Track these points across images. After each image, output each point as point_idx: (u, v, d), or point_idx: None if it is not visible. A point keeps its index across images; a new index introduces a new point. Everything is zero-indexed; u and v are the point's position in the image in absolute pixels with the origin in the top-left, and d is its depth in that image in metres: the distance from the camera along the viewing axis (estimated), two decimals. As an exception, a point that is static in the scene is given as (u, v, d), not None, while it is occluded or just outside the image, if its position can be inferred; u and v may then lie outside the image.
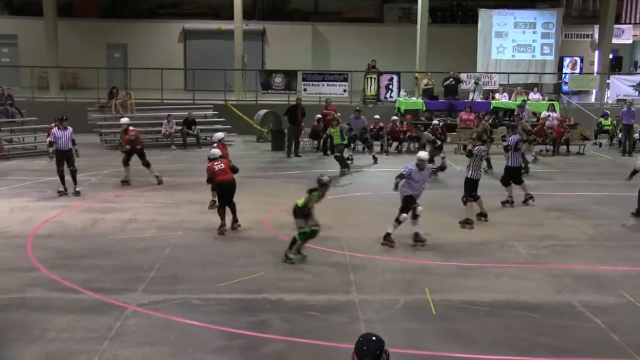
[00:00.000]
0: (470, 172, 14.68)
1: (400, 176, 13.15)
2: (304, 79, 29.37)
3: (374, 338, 4.71)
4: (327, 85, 29.15)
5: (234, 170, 14.04)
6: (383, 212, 15.57)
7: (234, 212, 13.94)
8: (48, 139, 17.37)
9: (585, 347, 8.87)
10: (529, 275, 11.51)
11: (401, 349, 8.41)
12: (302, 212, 11.96)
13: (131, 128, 18.43)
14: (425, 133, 21.12)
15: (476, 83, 28.05)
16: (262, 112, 26.96)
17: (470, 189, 14.60)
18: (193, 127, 24.78)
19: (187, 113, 25.35)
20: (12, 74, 32.87)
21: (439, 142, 20.65)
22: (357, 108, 24.04)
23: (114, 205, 15.94)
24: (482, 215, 14.90)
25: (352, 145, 22.60)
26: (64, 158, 16.80)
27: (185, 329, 9.11)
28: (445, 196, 15.85)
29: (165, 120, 24.91)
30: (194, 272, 11.36)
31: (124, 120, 18.86)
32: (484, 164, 16.51)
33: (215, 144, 15.36)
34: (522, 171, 19.73)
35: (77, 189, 16.80)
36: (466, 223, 14.42)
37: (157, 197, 16.68)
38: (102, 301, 10.00)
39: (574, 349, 8.79)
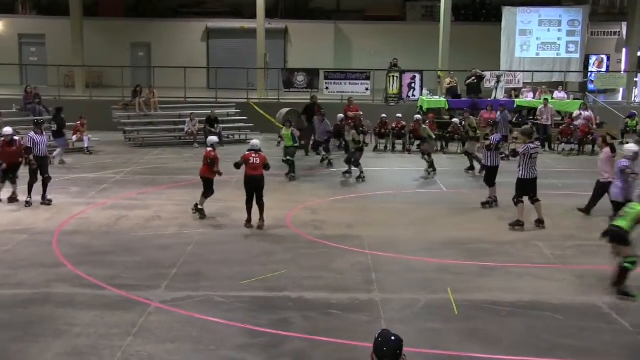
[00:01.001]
0: (521, 172, 14.08)
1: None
2: (326, 78, 29.34)
3: (392, 338, 4.68)
4: (350, 83, 29.08)
5: (267, 167, 14.27)
6: (403, 210, 15.60)
7: (261, 210, 14.05)
8: (26, 144, 15.85)
9: (611, 349, 8.79)
10: (553, 276, 11.43)
11: (422, 349, 8.41)
12: (629, 236, 10.41)
13: (16, 138, 16.12)
14: (424, 127, 20.96)
15: (497, 81, 27.85)
16: (284, 110, 26.96)
17: (521, 189, 14.08)
18: (216, 126, 24.87)
19: (209, 111, 25.44)
20: (39, 73, 33.21)
21: (433, 136, 21.07)
22: (322, 112, 23.04)
23: (137, 202, 16.06)
24: (540, 222, 14.23)
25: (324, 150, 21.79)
26: (42, 165, 15.69)
27: (208, 326, 9.16)
28: (468, 195, 15.77)
29: (188, 119, 25.03)
30: (216, 270, 11.42)
31: (7, 130, 16.01)
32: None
33: (209, 148, 14.91)
34: (470, 170, 19.90)
35: (48, 197, 15.59)
36: (517, 225, 14.02)
37: (179, 194, 16.77)
38: (125, 297, 10.08)
39: (599, 351, 8.71)
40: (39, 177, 15.59)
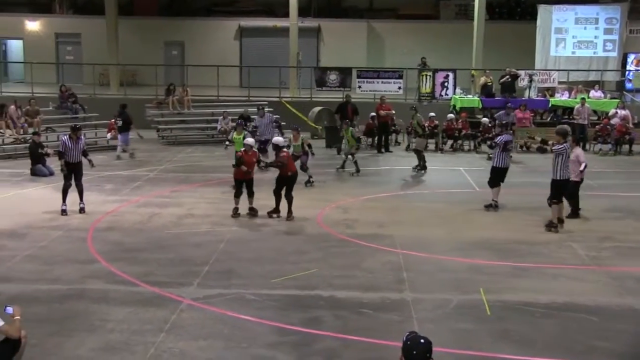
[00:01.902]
0: (555, 173, 13.83)
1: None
2: (358, 76, 29.32)
3: (422, 340, 4.63)
4: (382, 82, 29.01)
5: (258, 163, 15.03)
6: (435, 209, 15.53)
7: (290, 203, 14.43)
8: (57, 149, 15.34)
9: (647, 352, 8.65)
10: (588, 277, 11.28)
11: (454, 349, 8.36)
12: None
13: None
14: (417, 120, 20.91)
15: (530, 80, 27.56)
16: (317, 109, 27.01)
17: (556, 190, 13.83)
18: (248, 124, 24.93)
19: (242, 110, 25.52)
20: (75, 71, 33.61)
21: (426, 132, 21.10)
22: (261, 106, 22.60)
23: (170, 200, 16.17)
24: (559, 221, 13.97)
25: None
26: (72, 172, 14.94)
27: (239, 323, 9.20)
28: (500, 195, 15.64)
29: (221, 117, 25.13)
30: (248, 268, 11.46)
31: None
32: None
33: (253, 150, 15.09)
34: (418, 168, 19.74)
35: (82, 205, 14.94)
36: (551, 226, 13.81)
37: (212, 192, 16.85)
38: (158, 294, 10.16)
39: (637, 355, 8.57)
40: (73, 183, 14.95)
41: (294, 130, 18.57)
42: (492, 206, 15.49)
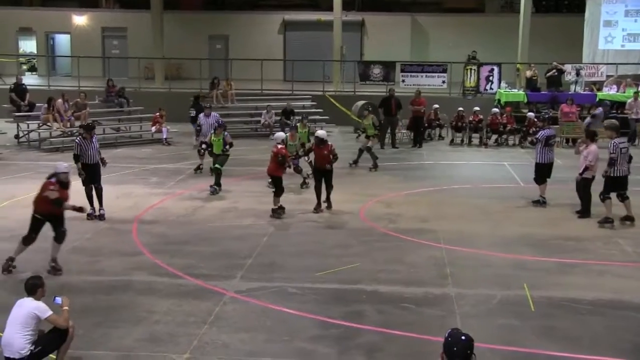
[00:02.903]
0: (612, 170, 13.54)
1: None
2: (402, 70, 29.19)
3: (463, 337, 4.61)
4: (426, 76, 28.86)
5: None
6: (479, 204, 15.40)
7: (330, 192, 14.55)
8: (73, 152, 14.23)
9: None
10: (636, 274, 11.09)
11: (497, 345, 8.29)
12: None
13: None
14: (369, 119, 19.76)
15: (577, 74, 27.14)
16: (360, 103, 26.92)
17: (609, 186, 13.57)
18: (291, 118, 25.00)
19: (285, 103, 25.60)
20: (121, 65, 34.04)
21: (374, 130, 19.70)
22: (207, 105, 21.27)
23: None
24: (628, 219, 13.73)
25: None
26: (92, 173, 13.97)
27: (281, 316, 9.24)
28: (550, 190, 15.43)
29: (265, 111, 25.24)
30: (291, 261, 11.49)
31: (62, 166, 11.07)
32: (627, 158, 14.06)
33: (279, 145, 14.52)
34: (371, 167, 19.02)
35: (102, 211, 13.92)
36: (605, 222, 13.53)
37: (255, 186, 16.92)
38: (201, 287, 10.24)
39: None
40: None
41: (292, 130, 17.79)
42: (540, 202, 15.29)
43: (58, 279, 10.34)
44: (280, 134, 15.38)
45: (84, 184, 13.90)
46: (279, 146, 14.49)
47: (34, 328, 7.21)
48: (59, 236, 10.77)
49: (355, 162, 19.33)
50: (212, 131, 17.01)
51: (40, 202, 10.71)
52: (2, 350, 7.28)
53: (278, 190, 14.31)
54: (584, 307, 9.63)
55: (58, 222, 10.74)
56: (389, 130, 23.37)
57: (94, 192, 14.00)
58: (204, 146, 17.04)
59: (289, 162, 14.76)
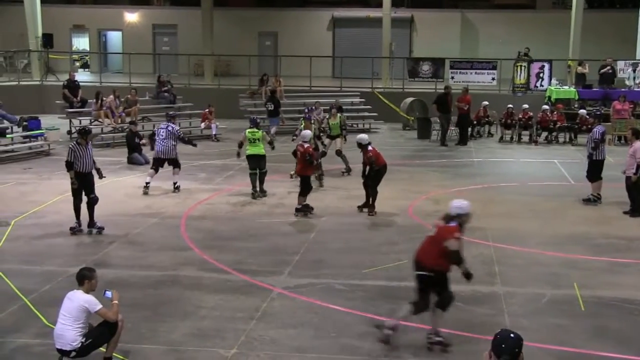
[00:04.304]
0: None
1: None
2: (451, 67, 28.95)
3: (512, 335, 4.57)
4: (476, 73, 28.58)
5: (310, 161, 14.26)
6: (529, 202, 15.20)
7: (368, 197, 14.29)
8: (65, 159, 12.75)
9: None
10: (689, 275, 10.86)
11: (547, 345, 8.18)
12: None
13: None
14: (337, 118, 18.42)
15: (634, 70, 26.61)
16: (409, 100, 26.83)
17: None
18: (339, 114, 24.97)
19: (334, 100, 25.58)
20: (171, 62, 34.44)
21: (341, 132, 18.30)
22: (171, 113, 18.74)
23: (262, 189, 16.34)
24: None
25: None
26: (86, 183, 12.65)
27: (328, 313, 9.24)
28: (605, 188, 15.18)
29: (313, 107, 25.22)
30: (338, 258, 11.49)
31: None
32: None
33: (306, 144, 14.31)
34: (343, 171, 17.98)
35: (98, 225, 12.75)
36: None
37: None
38: (249, 282, 10.30)
39: None
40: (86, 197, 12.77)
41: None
42: (592, 200, 15.06)
43: (107, 272, 10.43)
44: (307, 132, 15.05)
45: (73, 195, 12.66)
46: (306, 145, 14.32)
47: (84, 321, 7.34)
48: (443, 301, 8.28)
49: (347, 168, 18.03)
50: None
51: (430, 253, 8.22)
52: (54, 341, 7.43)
53: (305, 189, 14.13)
54: (636, 308, 9.45)
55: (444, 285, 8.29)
56: (442, 127, 23.18)
57: (83, 205, 12.68)
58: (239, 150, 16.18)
59: (317, 160, 14.54)
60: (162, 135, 16.15)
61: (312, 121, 17.51)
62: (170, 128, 16.24)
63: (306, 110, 19.15)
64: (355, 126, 25.83)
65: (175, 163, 16.20)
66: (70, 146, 12.68)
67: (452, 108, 23.01)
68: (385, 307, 9.37)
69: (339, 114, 18.79)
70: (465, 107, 23.35)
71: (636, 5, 30.79)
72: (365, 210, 14.27)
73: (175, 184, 15.97)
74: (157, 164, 16.17)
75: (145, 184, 15.78)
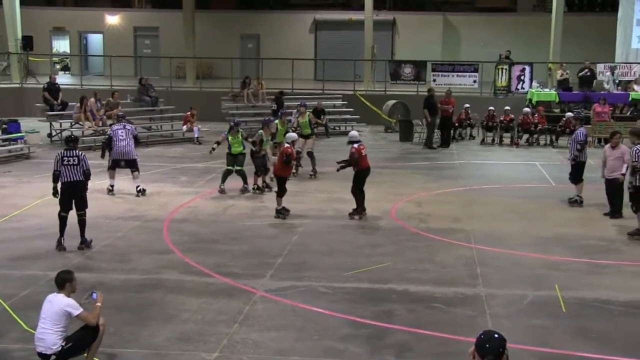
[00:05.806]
0: (636, 179, 12.71)
1: None
2: (433, 70, 29.07)
3: (496, 335, 4.60)
4: (457, 75, 28.71)
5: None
6: (510, 204, 15.28)
7: (357, 200, 14.11)
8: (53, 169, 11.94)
9: None
10: (669, 276, 10.95)
11: (529, 346, 8.21)
12: None
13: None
14: (305, 118, 18.47)
15: (612, 73, 26.82)
16: (391, 102, 26.89)
17: (635, 196, 12.79)
18: (322, 117, 24.98)
19: (316, 103, 25.58)
20: (152, 64, 34.31)
21: (312, 131, 18.57)
22: (120, 113, 18.36)
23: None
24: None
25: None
26: (72, 196, 11.73)
27: (311, 316, 9.23)
28: (585, 190, 15.27)
29: (296, 110, 25.21)
30: (321, 260, 11.48)
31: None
32: None
33: (287, 145, 14.36)
34: (310, 174, 17.86)
35: (89, 240, 11.93)
36: (637, 234, 12.67)
37: (286, 185, 16.88)
38: (231, 285, 10.27)
39: None
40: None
41: (265, 124, 16.61)
42: (578, 202, 15.15)
43: (89, 276, 10.39)
44: (292, 135, 15.16)
45: (60, 205, 11.79)
46: (286, 145, 14.37)
47: (65, 324, 7.29)
48: None
49: (313, 170, 17.91)
50: (227, 132, 16.54)
51: None
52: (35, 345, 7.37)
53: (281, 190, 14.09)
54: (617, 309, 9.52)
55: None
56: (429, 130, 23.19)
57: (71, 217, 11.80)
58: (214, 146, 16.62)
59: (295, 162, 14.52)
60: (122, 136, 15.87)
61: (286, 122, 17.71)
62: (128, 127, 16.14)
63: (298, 104, 19.28)
64: (337, 129, 25.85)
65: (133, 164, 15.94)
66: (57, 156, 11.82)
67: (438, 110, 23.03)
68: (368, 309, 9.38)
69: (307, 112, 18.86)
70: (450, 109, 23.43)
71: (615, 8, 31.06)
72: (356, 217, 13.94)
73: (138, 187, 15.75)
74: (116, 165, 15.99)
75: (109, 187, 15.77)
